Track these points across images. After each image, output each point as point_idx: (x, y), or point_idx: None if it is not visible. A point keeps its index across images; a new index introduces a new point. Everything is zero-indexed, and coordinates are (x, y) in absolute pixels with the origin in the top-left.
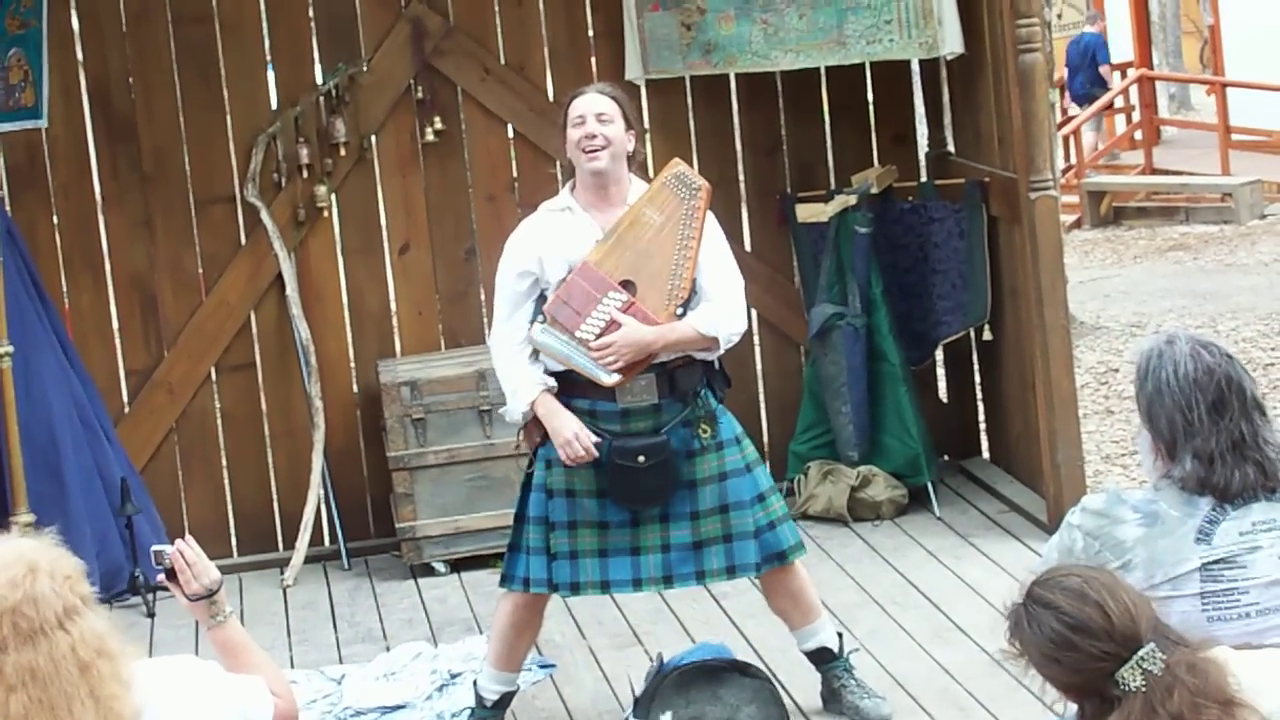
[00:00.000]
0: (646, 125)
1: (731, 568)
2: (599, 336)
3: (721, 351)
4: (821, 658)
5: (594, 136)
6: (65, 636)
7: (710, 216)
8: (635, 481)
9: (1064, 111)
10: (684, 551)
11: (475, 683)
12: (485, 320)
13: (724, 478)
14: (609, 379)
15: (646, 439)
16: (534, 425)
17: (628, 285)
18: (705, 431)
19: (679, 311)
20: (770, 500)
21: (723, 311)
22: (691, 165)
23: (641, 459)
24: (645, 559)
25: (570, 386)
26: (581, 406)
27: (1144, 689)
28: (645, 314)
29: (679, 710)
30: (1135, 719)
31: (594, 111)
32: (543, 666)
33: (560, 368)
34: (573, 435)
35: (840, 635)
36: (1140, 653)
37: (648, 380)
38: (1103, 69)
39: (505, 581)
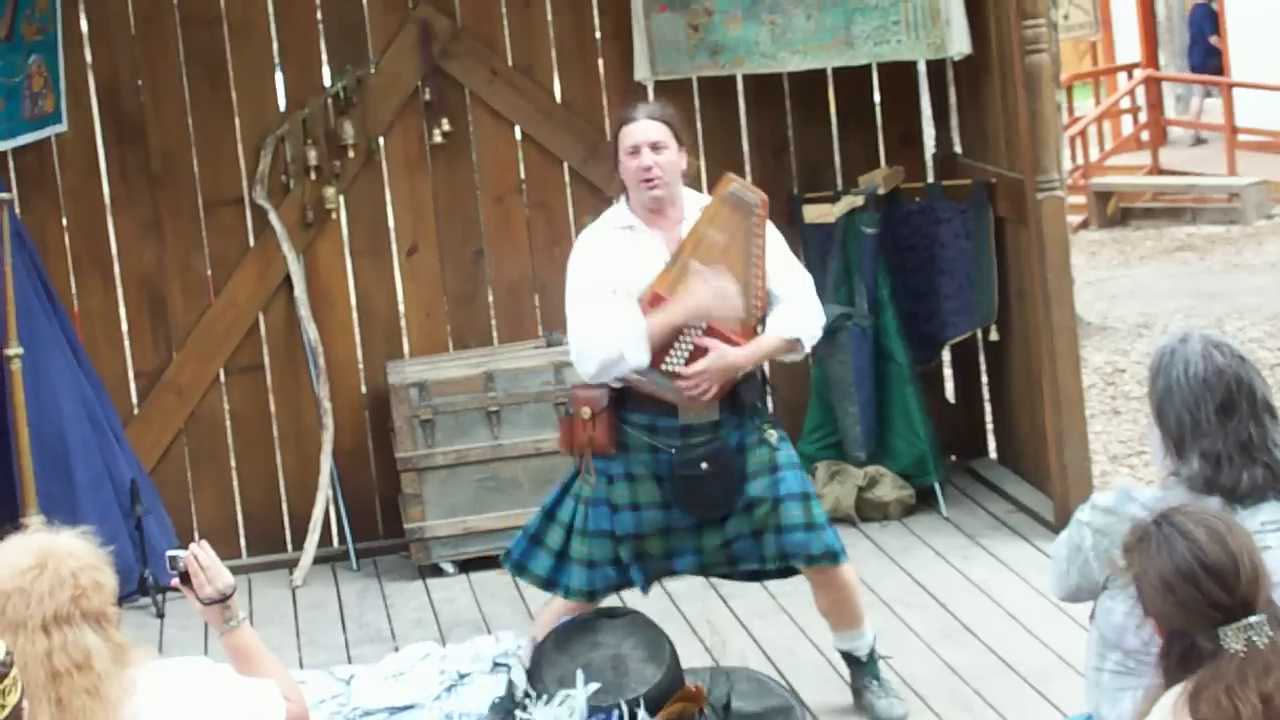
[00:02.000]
0: None
1: (785, 557)
2: (685, 365)
3: (806, 351)
4: (854, 661)
5: (650, 168)
6: (44, 640)
7: (769, 224)
8: (700, 489)
9: (1070, 112)
10: (744, 541)
11: (510, 674)
12: (493, 321)
13: (775, 469)
14: (695, 401)
15: (706, 447)
16: (603, 435)
17: None
18: (771, 434)
19: (759, 328)
20: (814, 503)
21: (800, 312)
22: (699, 167)
23: (704, 465)
24: (709, 555)
25: (628, 401)
26: (640, 421)
27: (1243, 655)
28: (727, 335)
29: (565, 667)
30: (1227, 680)
31: (648, 141)
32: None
33: (618, 384)
34: (716, 284)
35: (874, 645)
36: (1252, 619)
37: (715, 395)
38: (1212, 40)
39: (553, 587)
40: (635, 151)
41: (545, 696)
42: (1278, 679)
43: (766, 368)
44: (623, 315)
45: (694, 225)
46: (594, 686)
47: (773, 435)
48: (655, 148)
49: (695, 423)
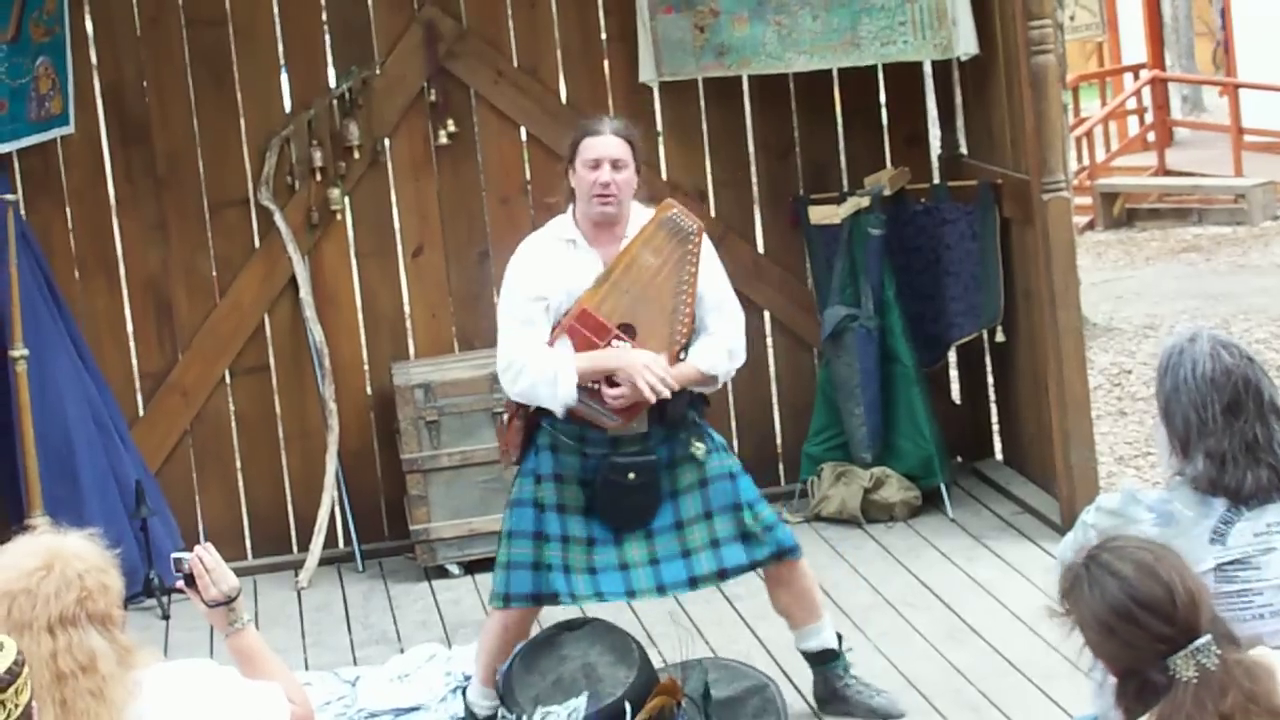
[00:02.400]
0: (659, 127)
1: (723, 571)
2: (606, 384)
3: (719, 386)
4: (822, 658)
5: (607, 185)
6: (49, 641)
7: (708, 247)
8: (621, 499)
9: (1076, 113)
10: (673, 561)
11: (464, 693)
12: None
13: (705, 484)
14: (612, 421)
15: (636, 457)
16: (513, 437)
17: (627, 329)
18: (698, 448)
19: (681, 355)
20: (759, 508)
21: (722, 348)
22: (704, 167)
23: (631, 476)
24: (635, 573)
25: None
26: (570, 431)
27: (1195, 681)
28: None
29: (538, 684)
30: (1184, 710)
31: (610, 157)
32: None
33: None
34: (649, 360)
35: (840, 635)
36: (1198, 643)
37: (638, 414)
38: None
39: (492, 599)
40: (596, 165)
41: (525, 717)
42: (1234, 697)
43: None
44: (556, 358)
45: (628, 245)
46: (584, 697)
47: (699, 449)
48: (616, 165)
49: (623, 434)
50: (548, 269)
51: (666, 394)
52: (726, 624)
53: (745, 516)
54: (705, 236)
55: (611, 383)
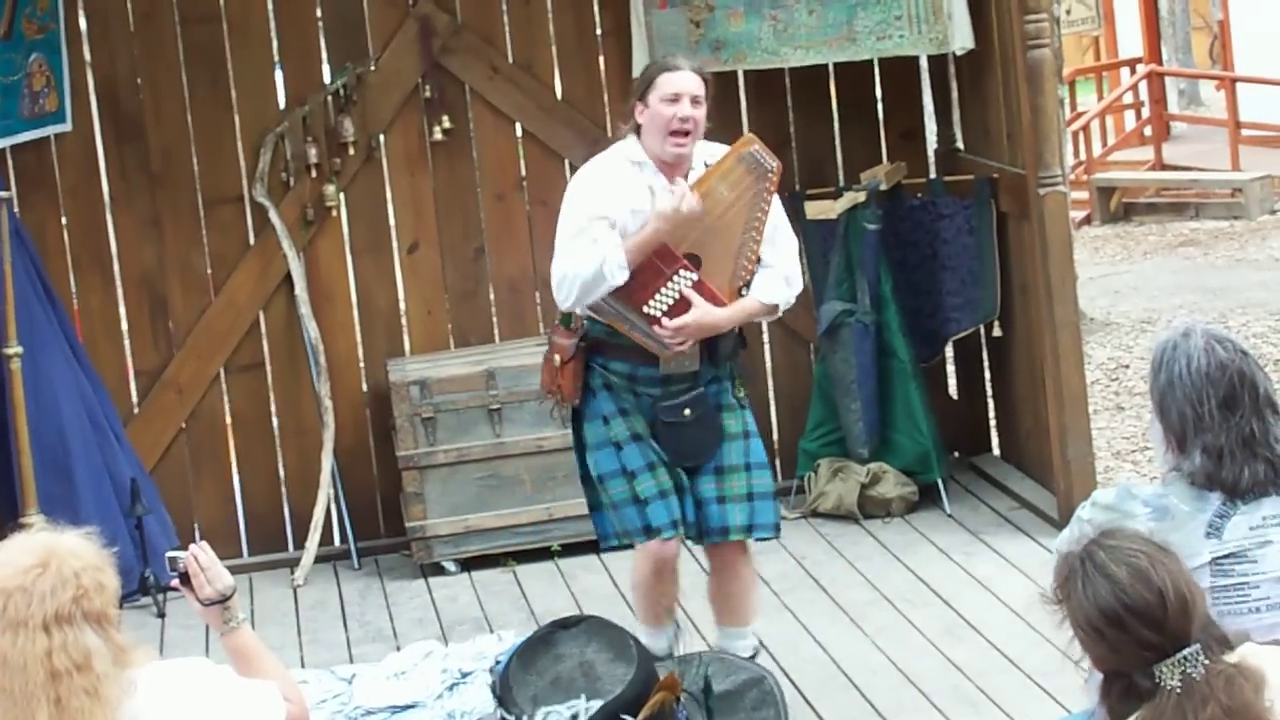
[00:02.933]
0: None
1: (751, 526)
2: (667, 313)
3: (779, 315)
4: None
5: (687, 119)
6: (44, 639)
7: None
8: (683, 436)
9: (1073, 107)
10: (710, 506)
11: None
12: (495, 318)
13: (748, 436)
14: (669, 352)
15: (687, 394)
16: (569, 380)
17: (693, 259)
18: (740, 390)
19: (743, 291)
20: (769, 471)
21: (783, 280)
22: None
23: (687, 412)
24: (688, 509)
25: (610, 349)
26: (621, 370)
27: (1179, 690)
28: (713, 293)
29: (535, 684)
30: (1165, 718)
31: (690, 93)
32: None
33: (602, 327)
34: (680, 194)
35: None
36: (1185, 652)
37: (693, 349)
38: None
39: (603, 540)
40: (676, 99)
41: (526, 718)
42: (1213, 710)
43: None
44: (602, 238)
45: (705, 174)
46: (584, 700)
47: (742, 394)
48: (695, 101)
49: (675, 373)
50: (612, 188)
51: (700, 212)
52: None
53: (769, 476)
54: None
55: (672, 314)
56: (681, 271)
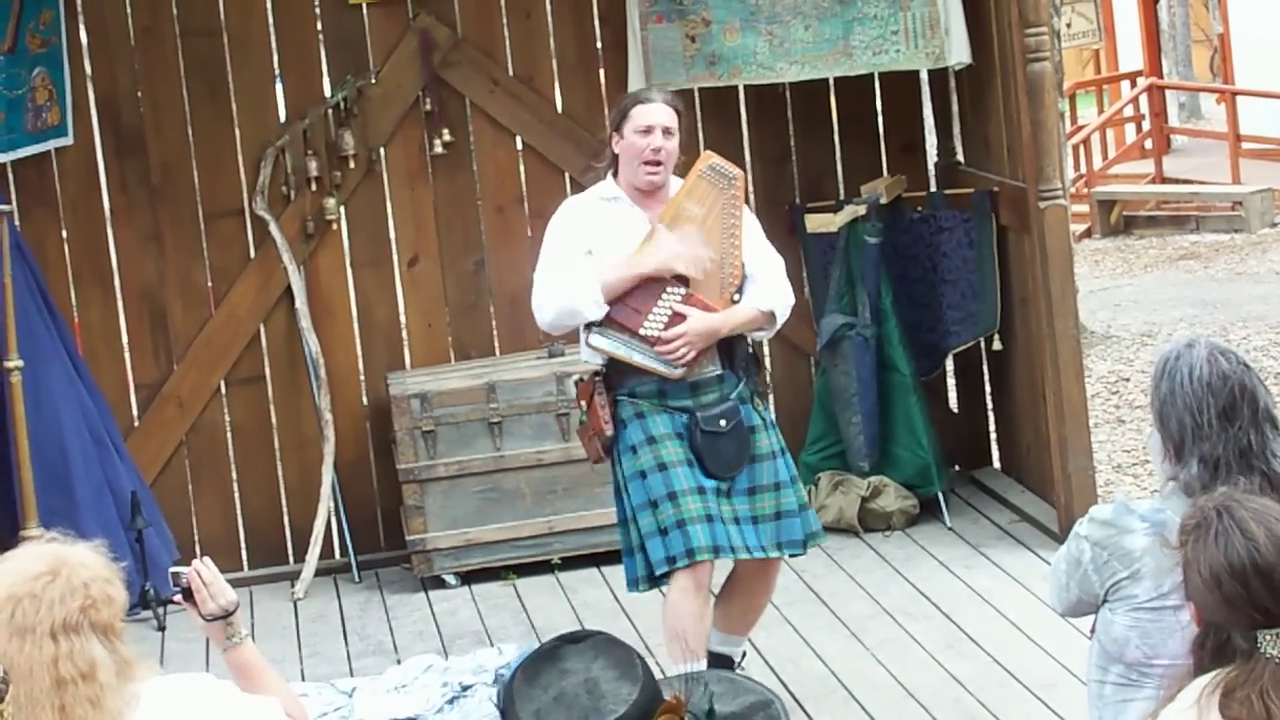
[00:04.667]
0: None
1: (780, 544)
2: (664, 330)
3: (777, 328)
4: (720, 662)
5: (659, 150)
6: (52, 647)
7: (746, 208)
8: (722, 447)
9: (1073, 120)
10: (745, 526)
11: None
12: (495, 331)
13: (775, 456)
14: (675, 372)
15: (721, 405)
16: (597, 415)
17: (681, 279)
18: (763, 408)
19: (735, 297)
20: (800, 485)
21: (775, 289)
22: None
23: (723, 423)
24: (729, 529)
25: (630, 373)
26: (649, 390)
27: (1277, 660)
28: (705, 304)
29: (539, 699)
30: (1261, 683)
31: (662, 124)
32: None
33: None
34: (674, 242)
35: (744, 652)
36: None
37: (711, 351)
38: None
39: (640, 584)
40: (648, 131)
41: None
42: None
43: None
44: (579, 270)
45: (673, 198)
46: None
47: (766, 415)
48: (667, 132)
49: (700, 379)
50: (591, 224)
51: (706, 264)
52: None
53: (800, 490)
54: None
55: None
56: (669, 289)
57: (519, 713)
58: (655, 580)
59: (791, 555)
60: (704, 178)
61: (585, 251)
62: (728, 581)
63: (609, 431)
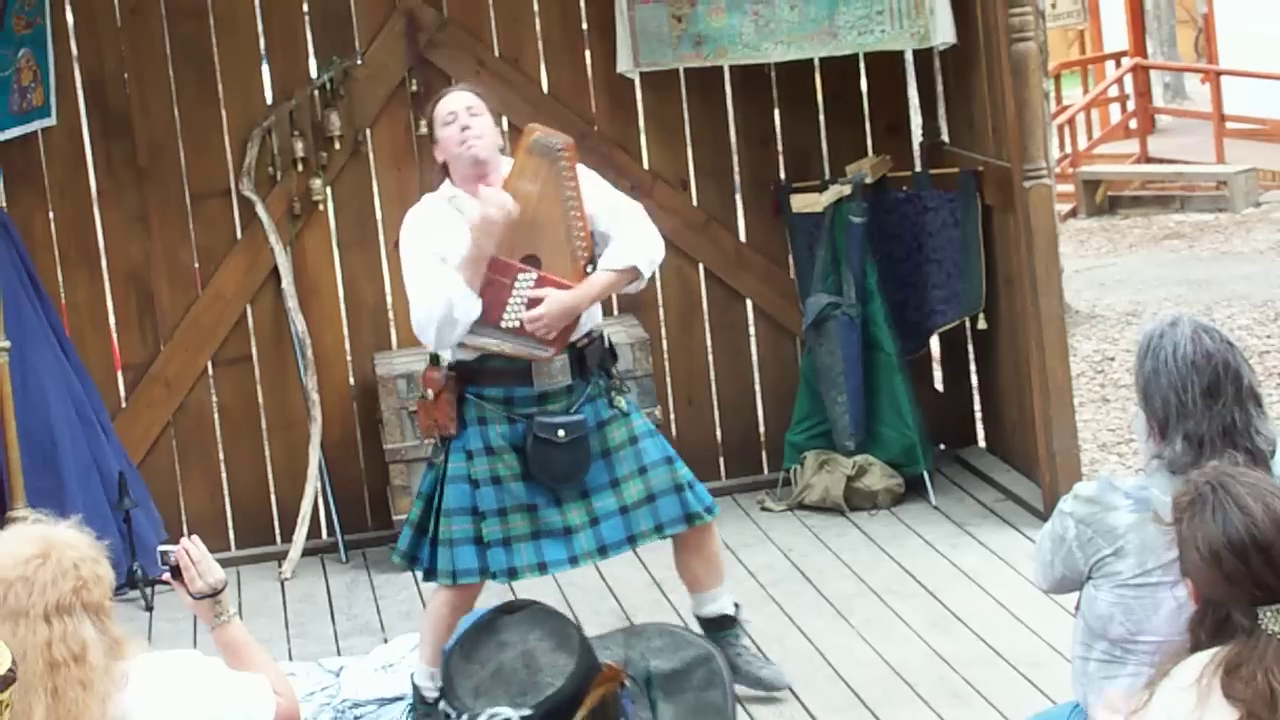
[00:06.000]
0: (640, 117)
1: (660, 525)
2: (523, 318)
3: (646, 279)
4: (721, 624)
5: (468, 128)
6: (45, 629)
7: (581, 166)
8: (555, 457)
9: (1058, 100)
10: (612, 519)
11: (413, 676)
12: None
13: (635, 441)
14: (546, 352)
15: (564, 416)
16: (445, 411)
17: (531, 260)
18: (619, 399)
19: (588, 269)
20: (678, 463)
21: (632, 242)
22: (686, 157)
23: (561, 434)
24: (576, 537)
25: (484, 376)
26: (497, 395)
27: (1279, 636)
28: (557, 282)
29: (477, 674)
30: (1265, 661)
31: (464, 106)
32: None
33: (474, 355)
34: (487, 195)
35: (737, 604)
36: None
37: (562, 362)
38: None
39: (431, 576)
40: (453, 118)
41: (467, 716)
42: None
43: (607, 339)
44: (441, 274)
45: (504, 181)
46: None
47: (622, 403)
48: (470, 110)
49: (550, 389)
50: (438, 228)
51: (511, 209)
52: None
53: (677, 468)
54: (577, 159)
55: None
56: (519, 276)
57: (459, 691)
58: (431, 574)
59: (671, 535)
60: (531, 153)
61: (440, 259)
62: (676, 560)
63: (453, 431)
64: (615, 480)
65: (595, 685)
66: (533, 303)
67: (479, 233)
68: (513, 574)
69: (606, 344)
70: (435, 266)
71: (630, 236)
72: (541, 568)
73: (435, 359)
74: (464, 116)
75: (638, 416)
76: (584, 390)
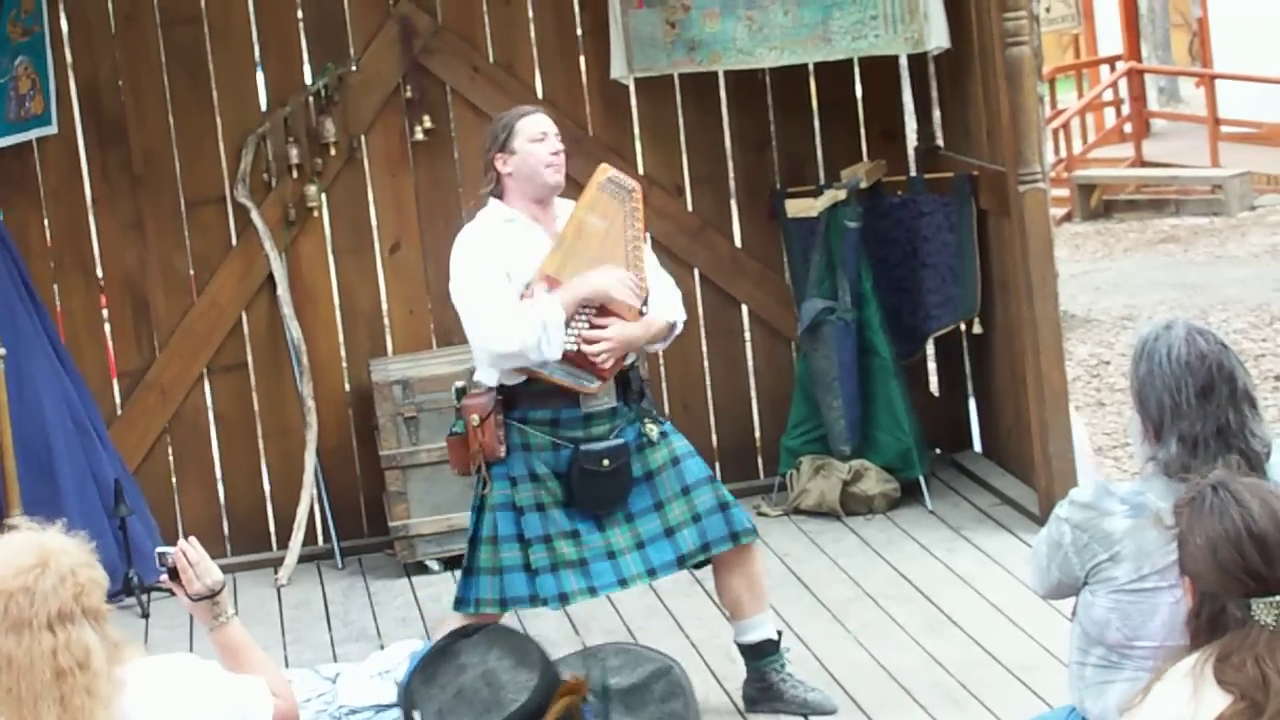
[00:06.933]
0: (635, 123)
1: (706, 544)
2: (579, 345)
3: (670, 341)
4: (762, 651)
5: (558, 152)
6: (50, 638)
7: None
8: (598, 485)
9: (1053, 105)
10: (659, 542)
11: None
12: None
13: (677, 462)
14: (593, 384)
15: (608, 443)
16: (492, 434)
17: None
18: (651, 429)
19: (643, 310)
20: (719, 483)
21: (673, 301)
22: (681, 162)
23: (606, 463)
24: (623, 560)
25: (530, 399)
26: (544, 417)
27: (1271, 628)
28: (621, 315)
29: (438, 697)
30: (1256, 650)
31: (554, 130)
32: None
33: (519, 380)
34: (618, 274)
35: (779, 632)
36: None
37: (608, 385)
38: None
39: (461, 605)
40: (543, 137)
41: None
42: None
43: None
44: (537, 303)
45: (573, 212)
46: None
47: (653, 430)
48: (557, 136)
49: (595, 411)
50: (499, 245)
51: (640, 289)
52: (707, 617)
53: (719, 488)
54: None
55: (591, 341)
56: (584, 306)
57: (422, 715)
58: (504, 604)
59: (719, 554)
60: (604, 190)
61: (505, 275)
62: (717, 583)
63: (501, 454)
64: (659, 503)
65: (558, 697)
66: (592, 329)
67: (590, 289)
68: (564, 599)
69: (640, 370)
70: (505, 284)
71: (672, 296)
72: (592, 591)
73: (462, 391)
74: (554, 140)
75: (677, 438)
76: (626, 413)
